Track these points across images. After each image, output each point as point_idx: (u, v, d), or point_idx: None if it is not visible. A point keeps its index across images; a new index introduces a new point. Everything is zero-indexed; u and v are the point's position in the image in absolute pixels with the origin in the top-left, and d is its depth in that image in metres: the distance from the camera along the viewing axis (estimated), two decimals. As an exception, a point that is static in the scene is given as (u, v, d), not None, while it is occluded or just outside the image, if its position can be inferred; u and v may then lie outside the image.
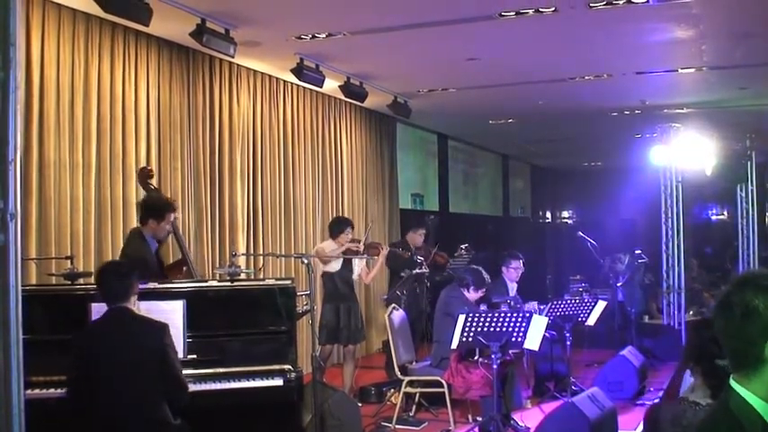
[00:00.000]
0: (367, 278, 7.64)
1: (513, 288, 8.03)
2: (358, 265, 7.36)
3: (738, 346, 1.76)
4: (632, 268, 10.49)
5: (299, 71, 7.68)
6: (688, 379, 3.00)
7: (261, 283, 5.84)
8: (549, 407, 6.68)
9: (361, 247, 7.32)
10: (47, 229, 5.81)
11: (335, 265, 7.18)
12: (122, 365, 3.88)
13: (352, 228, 7.46)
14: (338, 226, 7.39)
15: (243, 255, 7.76)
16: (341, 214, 10.06)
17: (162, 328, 4.06)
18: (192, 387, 4.40)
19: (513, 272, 8.05)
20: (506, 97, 10.23)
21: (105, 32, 6.43)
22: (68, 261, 5.15)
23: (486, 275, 6.81)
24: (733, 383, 1.76)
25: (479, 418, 6.52)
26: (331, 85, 8.61)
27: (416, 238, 8.53)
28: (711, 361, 2.73)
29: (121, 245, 6.36)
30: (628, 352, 7.95)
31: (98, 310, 4.30)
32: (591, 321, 7.73)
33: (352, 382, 7.34)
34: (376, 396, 7.56)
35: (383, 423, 6.72)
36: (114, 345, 3.93)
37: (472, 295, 6.71)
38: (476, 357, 6.42)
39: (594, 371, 8.49)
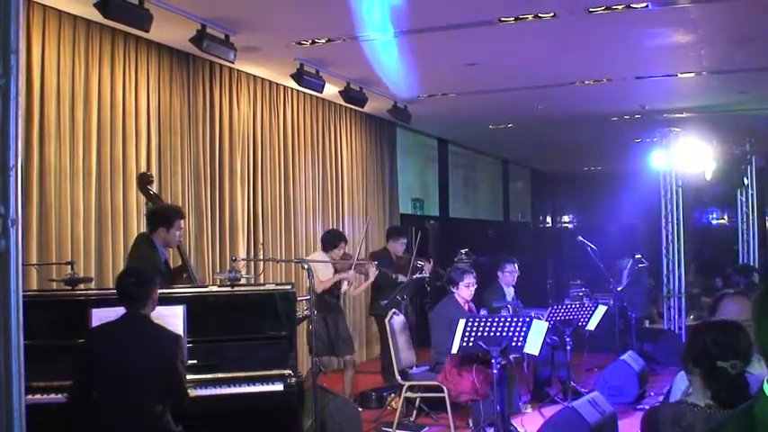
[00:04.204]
0: (355, 291, 7.67)
1: (509, 292, 8.05)
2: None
3: (763, 347, 1.73)
4: (633, 273, 10.48)
5: (298, 76, 7.69)
6: (684, 381, 3.00)
7: (261, 288, 5.85)
8: (550, 411, 6.67)
9: (354, 262, 7.31)
10: (47, 235, 5.82)
11: (327, 277, 7.16)
12: (130, 371, 3.87)
13: (346, 243, 7.46)
14: (332, 240, 7.37)
15: (243, 260, 7.76)
16: (341, 219, 10.09)
17: (175, 339, 4.08)
18: (193, 392, 4.41)
19: (508, 276, 8.08)
20: (506, 102, 10.24)
21: (105, 38, 6.45)
22: (69, 267, 5.16)
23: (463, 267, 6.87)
24: (765, 386, 1.73)
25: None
26: (331, 91, 8.63)
27: (397, 246, 8.52)
28: (712, 363, 2.73)
29: (122, 250, 6.40)
30: (628, 356, 7.95)
31: (99, 315, 4.30)
32: (591, 326, 7.74)
33: (351, 388, 7.33)
34: (376, 401, 7.57)
35: (384, 428, 6.72)
36: (125, 350, 3.93)
37: (463, 291, 6.73)
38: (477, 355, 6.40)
39: (595, 375, 8.49)
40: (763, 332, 1.71)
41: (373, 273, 7.52)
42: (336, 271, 7.23)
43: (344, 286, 7.38)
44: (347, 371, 7.32)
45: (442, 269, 8.95)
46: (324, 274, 7.12)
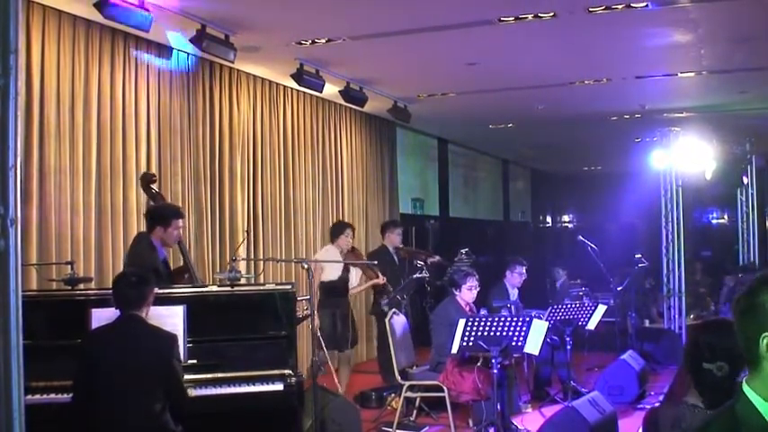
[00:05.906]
0: (352, 290, 7.66)
1: (514, 294, 8.04)
2: (355, 274, 7.48)
3: (743, 343, 1.75)
4: (564, 287, 10.55)
5: (298, 76, 7.69)
6: None
7: (261, 288, 5.85)
8: (550, 411, 6.67)
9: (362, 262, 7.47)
10: (47, 235, 5.81)
11: (335, 273, 7.22)
12: (128, 372, 3.88)
13: (353, 230, 7.54)
14: (338, 228, 7.52)
15: (243, 260, 7.76)
16: (341, 219, 10.08)
17: (171, 339, 4.08)
18: (193, 392, 4.41)
19: (516, 277, 8.07)
20: (506, 102, 10.24)
21: (105, 38, 6.45)
22: (69, 266, 5.16)
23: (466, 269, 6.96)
24: (744, 385, 1.74)
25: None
26: (331, 90, 8.63)
27: (394, 237, 8.50)
28: (699, 364, 2.70)
29: (122, 250, 6.39)
30: (628, 356, 7.94)
31: (98, 315, 4.30)
32: (591, 325, 7.74)
33: (347, 385, 7.34)
34: (376, 401, 7.56)
35: (384, 428, 6.71)
36: (122, 351, 3.94)
37: (466, 294, 6.73)
38: (478, 363, 6.41)
39: (595, 375, 8.48)
40: (745, 328, 1.72)
41: (376, 281, 7.65)
42: (346, 267, 7.33)
43: (352, 281, 7.48)
44: (343, 368, 7.33)
45: (444, 261, 8.97)
46: (330, 269, 7.19)
